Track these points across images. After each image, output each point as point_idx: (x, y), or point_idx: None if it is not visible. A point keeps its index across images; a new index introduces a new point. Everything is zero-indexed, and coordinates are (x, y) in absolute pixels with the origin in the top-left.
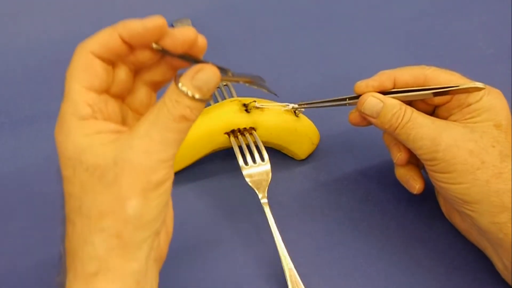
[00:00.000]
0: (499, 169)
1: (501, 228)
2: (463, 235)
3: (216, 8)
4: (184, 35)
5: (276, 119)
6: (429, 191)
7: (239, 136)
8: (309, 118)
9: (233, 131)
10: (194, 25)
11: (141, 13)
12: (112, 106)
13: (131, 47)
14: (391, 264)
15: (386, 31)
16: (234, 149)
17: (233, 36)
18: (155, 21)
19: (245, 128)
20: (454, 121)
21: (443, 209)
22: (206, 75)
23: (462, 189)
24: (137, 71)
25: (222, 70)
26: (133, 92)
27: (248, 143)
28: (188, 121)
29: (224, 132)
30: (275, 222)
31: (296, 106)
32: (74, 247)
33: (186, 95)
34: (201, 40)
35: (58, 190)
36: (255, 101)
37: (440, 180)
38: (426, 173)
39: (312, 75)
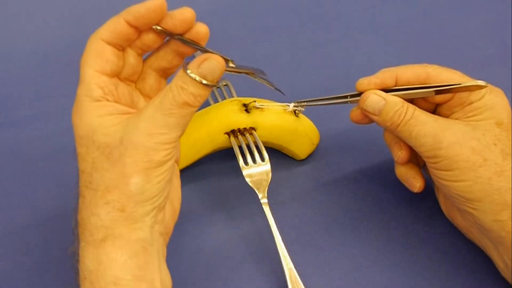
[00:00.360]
0: (501, 167)
1: (503, 226)
2: (463, 234)
3: (216, 8)
4: (181, 13)
5: (276, 119)
6: (429, 191)
7: (239, 136)
8: (309, 118)
9: (233, 131)
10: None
11: None
12: (122, 89)
13: (136, 30)
14: (391, 264)
15: (386, 31)
16: (234, 149)
17: (233, 36)
18: (155, 2)
19: (245, 128)
20: (456, 119)
21: (443, 207)
22: (212, 64)
23: (464, 187)
24: (147, 58)
25: (224, 60)
26: (143, 78)
27: (248, 143)
28: (190, 107)
29: (224, 132)
30: (275, 222)
31: (296, 104)
32: (83, 218)
33: (194, 80)
34: (201, 26)
35: (59, 188)
36: (255, 101)
37: (442, 177)
38: (426, 172)
39: (312, 75)
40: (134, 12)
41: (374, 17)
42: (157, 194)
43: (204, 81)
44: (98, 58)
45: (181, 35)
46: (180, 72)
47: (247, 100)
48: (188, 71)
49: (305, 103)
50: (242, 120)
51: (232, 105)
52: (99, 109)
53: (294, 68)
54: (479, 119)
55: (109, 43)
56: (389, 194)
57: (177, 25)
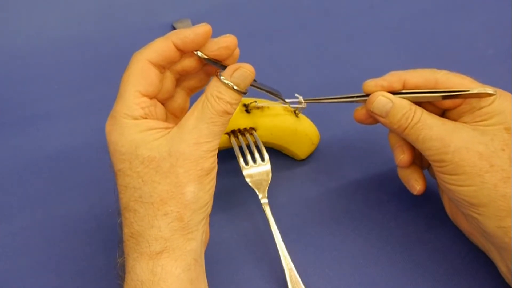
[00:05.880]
0: (508, 173)
1: (506, 232)
2: (466, 237)
3: (216, 8)
4: (225, 41)
5: (276, 119)
6: (430, 192)
7: (240, 136)
8: (309, 118)
9: (233, 131)
10: (194, 25)
11: (142, 14)
12: (160, 108)
13: (181, 53)
14: (391, 264)
15: (387, 31)
16: (235, 149)
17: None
18: (204, 28)
19: (245, 129)
20: (464, 123)
21: (448, 210)
22: (244, 72)
23: (470, 192)
24: (179, 79)
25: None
26: (173, 97)
27: (248, 143)
28: (229, 114)
29: (225, 132)
30: (275, 222)
31: (302, 101)
32: (138, 231)
33: (228, 86)
34: (237, 50)
35: (59, 188)
36: (255, 101)
37: (447, 181)
38: (430, 174)
39: (312, 75)
40: (183, 36)
41: (374, 18)
42: (208, 201)
43: (237, 88)
44: (143, 79)
45: (218, 60)
46: (214, 81)
47: (247, 100)
48: (222, 78)
49: (309, 101)
50: (242, 120)
51: None
52: (139, 126)
53: (294, 68)
54: (488, 124)
55: (154, 65)
56: (389, 194)
57: (223, 53)
